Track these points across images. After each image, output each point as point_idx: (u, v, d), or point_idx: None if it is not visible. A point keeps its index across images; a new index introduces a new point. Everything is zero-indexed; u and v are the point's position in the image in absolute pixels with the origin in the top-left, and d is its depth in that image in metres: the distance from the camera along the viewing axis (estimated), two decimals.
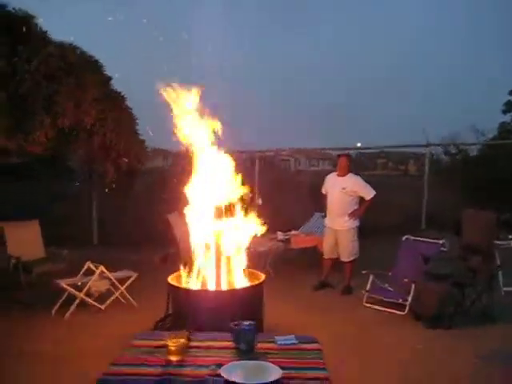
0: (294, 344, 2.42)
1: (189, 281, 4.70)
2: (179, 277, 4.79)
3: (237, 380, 1.96)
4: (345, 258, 6.57)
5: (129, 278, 5.99)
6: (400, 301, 5.64)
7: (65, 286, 5.54)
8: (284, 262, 7.88)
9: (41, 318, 5.49)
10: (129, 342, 2.47)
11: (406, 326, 5.32)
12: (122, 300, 5.96)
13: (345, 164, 6.52)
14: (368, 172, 21.90)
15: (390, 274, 6.18)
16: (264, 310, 4.72)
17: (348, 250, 6.52)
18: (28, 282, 5.98)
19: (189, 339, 2.41)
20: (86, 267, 5.84)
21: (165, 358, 2.22)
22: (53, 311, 5.60)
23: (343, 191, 6.41)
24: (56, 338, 4.94)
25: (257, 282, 4.68)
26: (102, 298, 5.84)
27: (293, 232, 7.85)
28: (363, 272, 6.09)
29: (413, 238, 6.40)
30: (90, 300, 5.71)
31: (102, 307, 5.75)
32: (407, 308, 5.56)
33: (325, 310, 5.92)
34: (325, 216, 6.89)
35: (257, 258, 7.21)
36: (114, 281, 5.87)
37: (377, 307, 5.86)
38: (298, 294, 6.55)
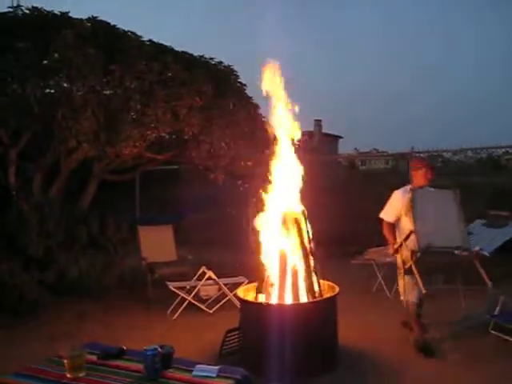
0: (207, 377, 2.10)
1: (260, 293, 4.52)
2: (253, 288, 4.64)
3: None
4: None
5: (240, 283, 6.01)
6: None
7: (172, 289, 5.84)
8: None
9: (155, 316, 5.89)
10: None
11: None
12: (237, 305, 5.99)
13: None
14: None
15: None
16: (335, 326, 4.25)
17: None
18: (153, 281, 6.43)
19: (100, 356, 2.29)
20: (200, 271, 6.09)
21: (62, 373, 2.14)
22: (168, 311, 5.94)
23: None
24: (161, 336, 5.17)
25: (324, 297, 4.26)
26: (216, 302, 6.01)
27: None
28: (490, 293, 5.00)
29: None
30: (197, 303, 5.91)
31: (211, 311, 5.89)
32: None
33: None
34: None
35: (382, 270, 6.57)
36: (222, 286, 5.97)
37: (506, 337, 4.74)
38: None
